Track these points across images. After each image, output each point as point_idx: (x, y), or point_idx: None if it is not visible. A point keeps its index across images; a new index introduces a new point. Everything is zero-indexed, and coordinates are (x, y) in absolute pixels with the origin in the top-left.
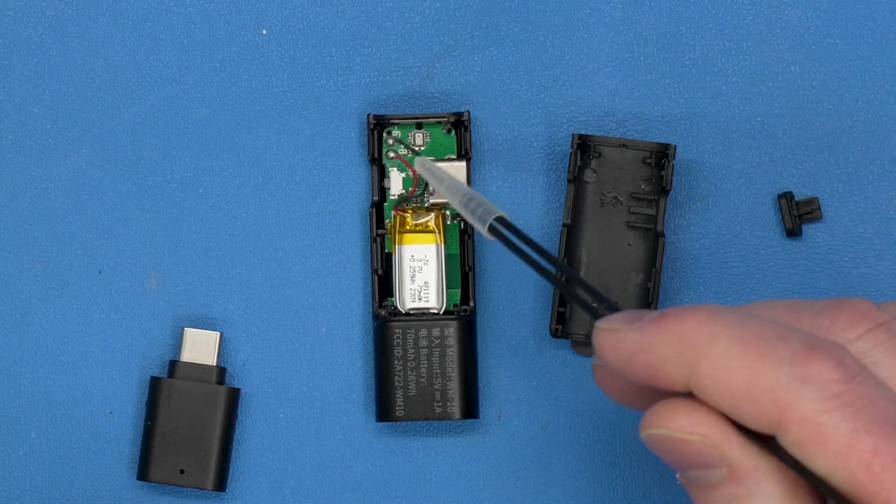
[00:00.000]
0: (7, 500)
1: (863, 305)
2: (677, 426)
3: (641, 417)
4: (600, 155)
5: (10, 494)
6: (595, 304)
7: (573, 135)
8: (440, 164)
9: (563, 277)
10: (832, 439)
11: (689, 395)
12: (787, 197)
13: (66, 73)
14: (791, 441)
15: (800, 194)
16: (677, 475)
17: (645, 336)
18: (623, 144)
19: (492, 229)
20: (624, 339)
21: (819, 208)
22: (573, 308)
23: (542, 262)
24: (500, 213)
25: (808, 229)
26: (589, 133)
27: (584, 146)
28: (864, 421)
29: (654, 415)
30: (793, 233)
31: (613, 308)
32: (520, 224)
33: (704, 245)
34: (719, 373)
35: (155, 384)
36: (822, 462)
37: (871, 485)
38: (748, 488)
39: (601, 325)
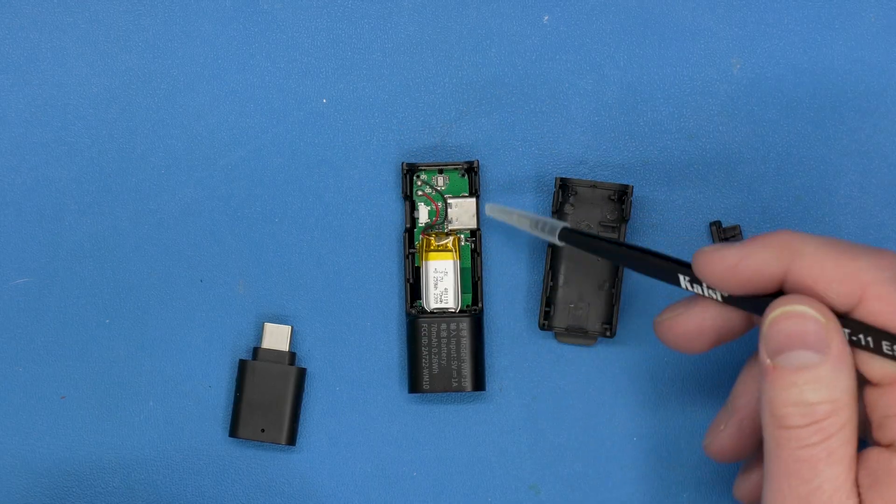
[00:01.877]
0: (131, 451)
1: None
2: (815, 307)
3: (773, 303)
4: (576, 193)
5: (134, 448)
6: (667, 260)
7: (556, 178)
8: (456, 200)
9: (631, 251)
10: None
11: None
12: (716, 224)
13: (176, 132)
14: (869, 312)
15: (726, 222)
16: (767, 360)
17: (746, 248)
18: (593, 185)
19: (562, 237)
20: (728, 254)
21: (741, 233)
22: (556, 306)
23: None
24: (564, 224)
25: None
26: (567, 176)
27: (565, 186)
28: None
29: (792, 298)
30: None
31: (687, 266)
32: (515, 244)
33: None
34: (814, 264)
35: (242, 365)
36: (893, 326)
37: None
38: (835, 374)
39: (705, 248)
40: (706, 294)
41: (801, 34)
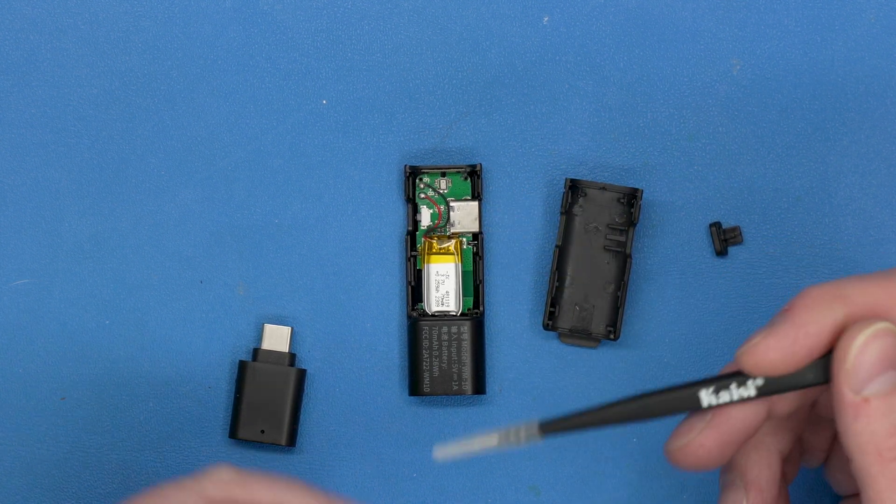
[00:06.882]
0: (131, 452)
1: None
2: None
3: (848, 334)
4: (585, 195)
5: (133, 449)
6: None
7: (566, 179)
8: (458, 203)
9: (633, 401)
10: None
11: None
12: (716, 225)
13: (175, 133)
14: None
15: (726, 223)
16: (854, 397)
17: (794, 320)
18: (603, 187)
19: (543, 432)
20: (781, 334)
21: (741, 234)
22: (561, 307)
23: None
24: (534, 421)
25: (733, 251)
26: (571, 178)
27: (574, 187)
28: None
29: (866, 322)
30: (721, 253)
31: (700, 383)
32: (520, 243)
33: (655, 262)
34: (866, 294)
35: (242, 366)
36: None
37: None
38: None
39: (750, 343)
40: (735, 398)
41: (801, 34)
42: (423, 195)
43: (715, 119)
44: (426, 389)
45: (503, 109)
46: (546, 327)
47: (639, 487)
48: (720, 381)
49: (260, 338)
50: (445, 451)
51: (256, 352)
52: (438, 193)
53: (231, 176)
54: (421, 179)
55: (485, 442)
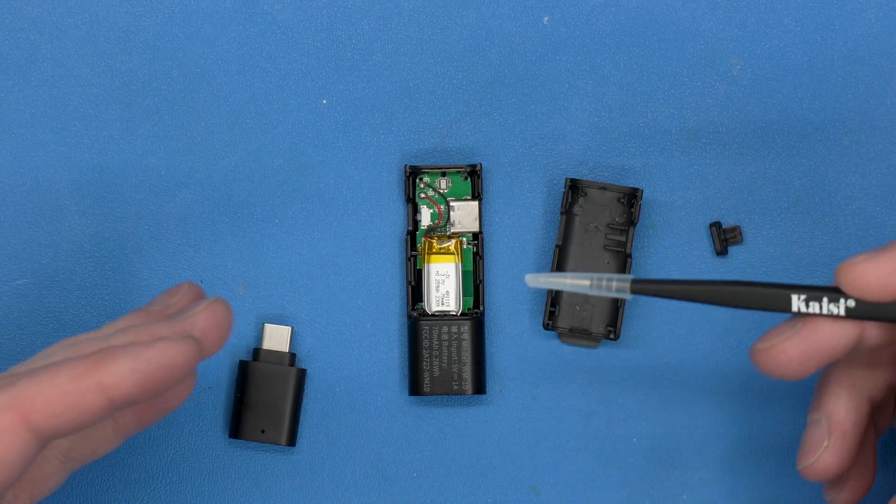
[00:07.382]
0: (132, 452)
1: None
2: None
3: None
4: (586, 194)
5: (134, 449)
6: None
7: (566, 179)
8: (459, 203)
9: (726, 284)
10: None
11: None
12: (716, 225)
13: (176, 133)
14: None
15: (726, 223)
16: None
17: None
18: (603, 187)
19: (634, 290)
20: (883, 259)
21: (741, 234)
22: (561, 307)
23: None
24: (630, 277)
25: (733, 250)
26: (571, 177)
27: (574, 187)
28: None
29: None
30: (721, 253)
31: (795, 288)
32: (520, 243)
33: (655, 262)
34: None
35: (242, 366)
36: None
37: None
38: None
39: (851, 261)
40: (825, 311)
41: (801, 34)
42: (423, 195)
43: (715, 119)
44: (426, 389)
45: (503, 109)
46: (546, 327)
47: (639, 487)
48: (814, 291)
49: (260, 338)
50: (537, 280)
51: (256, 352)
52: (438, 193)
53: (230, 176)
54: (421, 179)
55: (577, 281)
